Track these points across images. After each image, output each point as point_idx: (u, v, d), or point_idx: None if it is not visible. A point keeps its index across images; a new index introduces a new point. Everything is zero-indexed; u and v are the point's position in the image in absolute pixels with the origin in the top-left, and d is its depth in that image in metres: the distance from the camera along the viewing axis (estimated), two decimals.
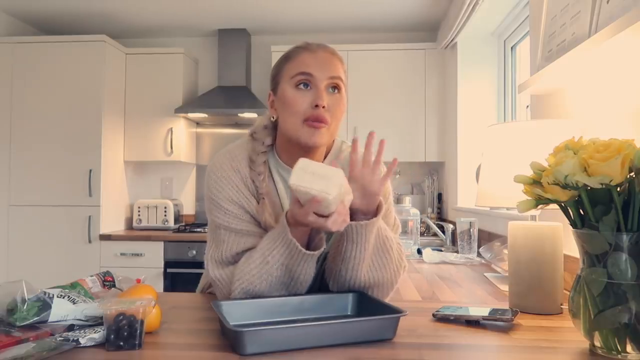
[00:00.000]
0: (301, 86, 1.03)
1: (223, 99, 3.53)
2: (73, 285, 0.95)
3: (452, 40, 3.08)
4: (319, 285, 1.11)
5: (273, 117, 1.10)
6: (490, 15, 2.73)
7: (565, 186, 0.75)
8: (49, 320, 0.83)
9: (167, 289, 3.19)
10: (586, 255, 0.78)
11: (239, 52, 3.67)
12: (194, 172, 3.90)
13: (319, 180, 0.86)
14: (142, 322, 0.78)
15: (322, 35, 3.80)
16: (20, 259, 3.28)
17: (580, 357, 0.76)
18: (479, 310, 0.96)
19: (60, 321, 0.84)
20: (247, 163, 1.08)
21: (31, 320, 0.82)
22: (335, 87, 1.05)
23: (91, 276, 1.02)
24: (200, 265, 3.10)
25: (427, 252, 2.19)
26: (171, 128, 3.55)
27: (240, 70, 3.66)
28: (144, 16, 3.48)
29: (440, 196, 3.63)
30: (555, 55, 1.35)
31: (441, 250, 2.35)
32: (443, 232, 2.82)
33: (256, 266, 0.97)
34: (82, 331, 0.81)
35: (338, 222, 0.89)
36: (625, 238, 0.72)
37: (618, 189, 0.72)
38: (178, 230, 3.42)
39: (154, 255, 3.24)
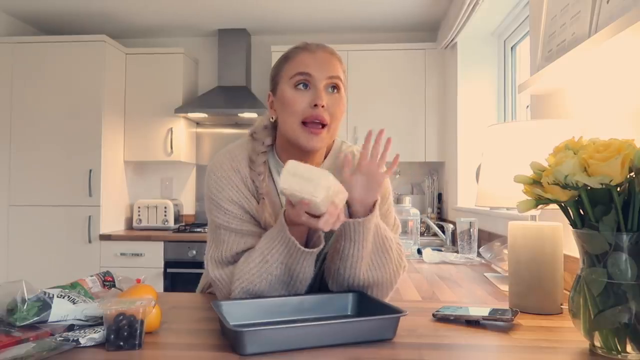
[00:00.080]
0: (300, 86, 1.03)
1: (223, 99, 3.53)
2: (73, 285, 0.95)
3: (452, 40, 3.08)
4: (319, 285, 1.12)
5: (272, 118, 1.10)
6: (490, 15, 2.72)
7: (565, 186, 0.75)
8: (49, 320, 0.83)
9: (167, 289, 3.19)
10: (586, 255, 0.78)
11: (239, 52, 3.66)
12: (194, 172, 3.90)
13: (306, 184, 0.87)
14: (142, 322, 0.78)
15: (322, 35, 3.79)
16: (20, 259, 3.27)
17: (580, 357, 0.76)
18: (479, 310, 0.96)
19: (60, 321, 0.84)
20: (247, 163, 1.08)
21: (31, 320, 0.82)
22: (335, 87, 1.05)
23: (91, 276, 1.02)
24: (200, 265, 3.10)
25: (427, 252, 2.19)
26: (171, 128, 3.55)
27: (240, 70, 3.66)
28: (144, 16, 3.48)
29: (440, 196, 3.63)
30: (555, 55, 1.35)
31: (441, 250, 2.35)
32: (443, 232, 2.82)
33: (256, 265, 0.98)
34: (82, 331, 0.81)
35: (330, 222, 0.90)
36: (625, 238, 0.72)
37: (618, 189, 0.72)
38: (178, 230, 3.42)
39: (154, 255, 3.24)
